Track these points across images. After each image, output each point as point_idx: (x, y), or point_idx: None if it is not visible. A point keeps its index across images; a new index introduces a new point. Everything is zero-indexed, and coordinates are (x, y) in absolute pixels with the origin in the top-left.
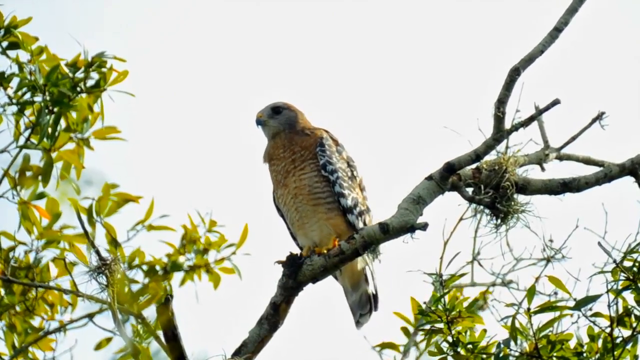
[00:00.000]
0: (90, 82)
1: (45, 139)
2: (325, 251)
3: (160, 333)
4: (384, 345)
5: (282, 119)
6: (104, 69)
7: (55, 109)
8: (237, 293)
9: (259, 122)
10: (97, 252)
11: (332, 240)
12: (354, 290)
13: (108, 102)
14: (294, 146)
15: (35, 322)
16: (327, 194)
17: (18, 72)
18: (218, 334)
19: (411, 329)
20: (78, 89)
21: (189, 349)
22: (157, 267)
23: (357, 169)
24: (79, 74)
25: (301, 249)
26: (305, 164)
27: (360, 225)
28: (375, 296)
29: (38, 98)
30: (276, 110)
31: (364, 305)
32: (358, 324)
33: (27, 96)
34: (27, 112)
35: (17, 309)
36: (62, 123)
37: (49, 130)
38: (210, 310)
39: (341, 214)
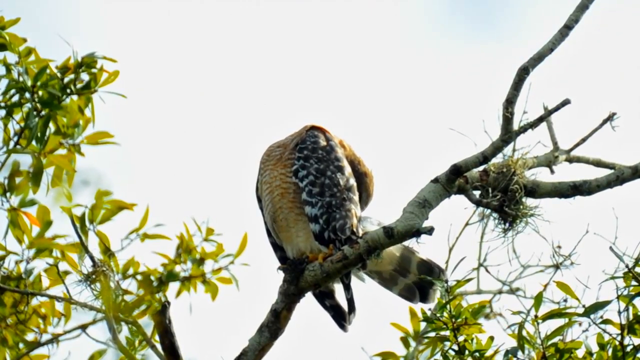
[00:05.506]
0: (80, 84)
1: (34, 143)
2: (321, 259)
3: (157, 345)
4: (384, 355)
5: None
6: (94, 70)
7: (44, 111)
8: (237, 302)
9: None
10: (91, 258)
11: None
12: (408, 268)
13: (100, 104)
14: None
15: (28, 337)
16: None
17: (5, 73)
18: (217, 343)
19: (410, 339)
20: (68, 90)
21: (187, 358)
22: (152, 278)
23: (345, 170)
24: (69, 76)
25: (274, 246)
26: (288, 161)
27: (327, 234)
28: (351, 300)
29: (27, 103)
30: None
31: (428, 271)
32: (430, 294)
33: (16, 98)
34: (17, 116)
35: (9, 321)
36: (52, 126)
37: (38, 133)
38: (209, 320)
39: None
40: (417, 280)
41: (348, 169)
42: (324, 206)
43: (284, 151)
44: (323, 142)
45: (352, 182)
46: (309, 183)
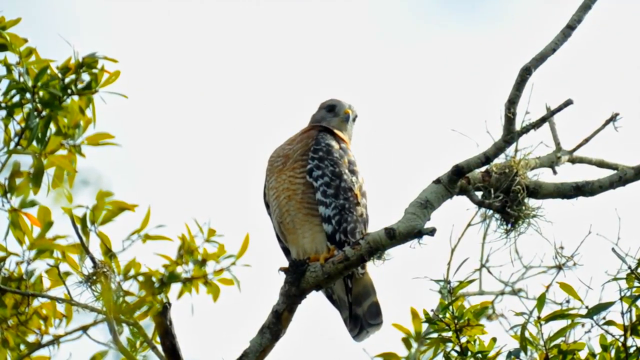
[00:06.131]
0: (81, 85)
1: (35, 143)
2: (322, 260)
3: (159, 347)
4: (385, 356)
5: (352, 130)
6: (95, 70)
7: (45, 112)
8: (238, 303)
9: (347, 118)
10: (92, 259)
11: (327, 250)
12: (356, 303)
13: (100, 104)
14: (301, 133)
15: (30, 338)
16: (313, 204)
17: (6, 74)
18: (219, 344)
19: (411, 340)
20: (69, 90)
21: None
22: (154, 279)
23: (358, 174)
24: (70, 76)
25: (285, 250)
26: (296, 164)
27: (338, 236)
28: (351, 304)
29: (28, 104)
30: (355, 119)
31: (374, 315)
32: (359, 336)
33: (16, 99)
34: (18, 117)
35: (10, 323)
36: (52, 127)
37: (39, 134)
38: (211, 321)
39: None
40: (362, 315)
41: (362, 174)
42: (337, 207)
43: (286, 160)
44: (336, 145)
45: (365, 187)
46: (323, 184)
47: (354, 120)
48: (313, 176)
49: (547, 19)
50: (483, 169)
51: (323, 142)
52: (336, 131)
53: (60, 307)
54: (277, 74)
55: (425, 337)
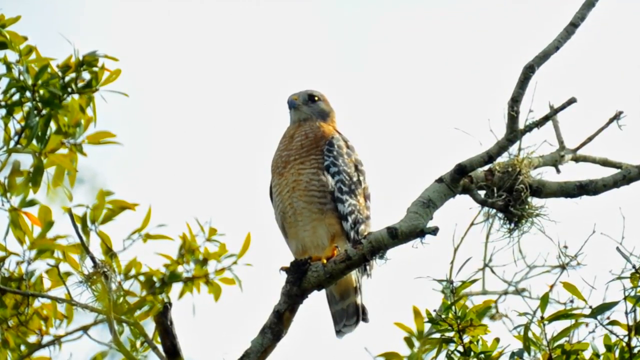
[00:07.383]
0: (81, 83)
1: (34, 142)
2: (325, 260)
3: (159, 347)
4: (387, 355)
5: (315, 109)
6: (95, 69)
7: (45, 110)
8: (239, 303)
9: (292, 104)
10: (92, 259)
11: (329, 248)
12: (342, 299)
13: (101, 103)
14: (304, 139)
15: (30, 339)
16: (322, 193)
17: (6, 72)
18: (220, 345)
19: (414, 339)
20: (69, 89)
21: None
22: (155, 278)
23: (365, 175)
24: (70, 74)
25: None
26: (307, 158)
27: (352, 234)
28: (363, 308)
29: (28, 102)
30: (312, 98)
31: (350, 315)
32: (339, 333)
33: (16, 97)
34: (18, 116)
35: (10, 323)
36: (53, 126)
37: (39, 132)
38: (211, 321)
39: (336, 214)
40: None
41: (366, 174)
42: (352, 205)
43: (287, 163)
44: (344, 145)
45: (369, 189)
46: (339, 181)
47: (305, 103)
48: (330, 172)
49: (551, 16)
50: (486, 167)
51: (336, 144)
52: (342, 135)
53: (61, 308)
54: (278, 74)
55: (428, 337)
